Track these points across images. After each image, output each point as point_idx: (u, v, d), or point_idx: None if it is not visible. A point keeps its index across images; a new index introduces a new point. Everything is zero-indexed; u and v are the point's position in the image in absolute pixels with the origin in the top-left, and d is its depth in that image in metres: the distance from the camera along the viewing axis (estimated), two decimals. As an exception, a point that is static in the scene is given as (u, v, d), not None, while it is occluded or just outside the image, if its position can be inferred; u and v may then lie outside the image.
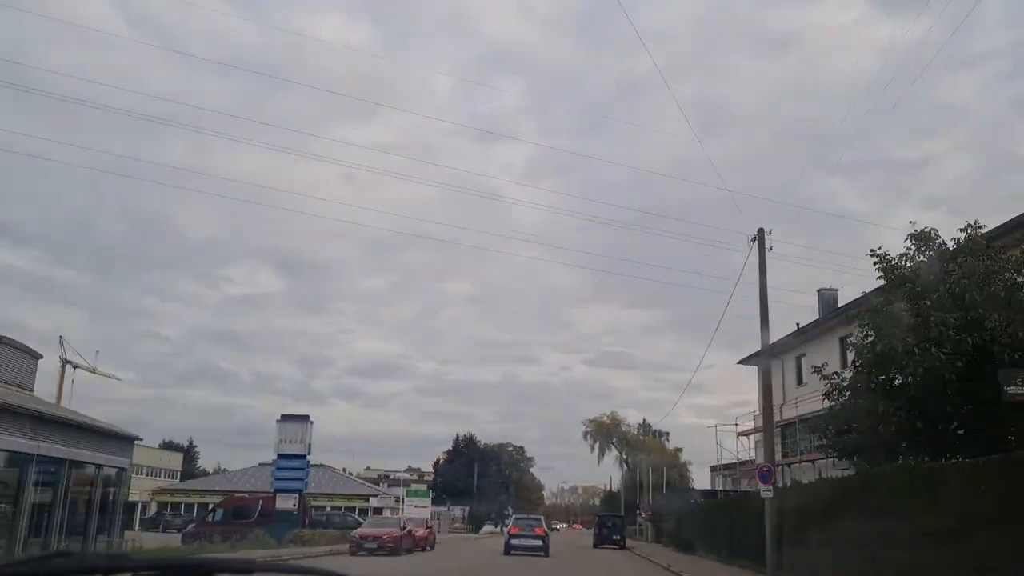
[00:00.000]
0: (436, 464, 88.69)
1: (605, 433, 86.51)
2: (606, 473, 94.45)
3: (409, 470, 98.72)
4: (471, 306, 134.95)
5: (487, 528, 78.14)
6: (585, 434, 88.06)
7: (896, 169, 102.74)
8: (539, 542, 29.53)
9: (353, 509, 54.98)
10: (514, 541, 29.93)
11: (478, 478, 76.53)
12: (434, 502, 74.67)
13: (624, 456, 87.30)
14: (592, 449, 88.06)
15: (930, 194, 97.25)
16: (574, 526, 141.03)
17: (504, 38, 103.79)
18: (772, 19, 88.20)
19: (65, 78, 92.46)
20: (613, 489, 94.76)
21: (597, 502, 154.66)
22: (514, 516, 37.67)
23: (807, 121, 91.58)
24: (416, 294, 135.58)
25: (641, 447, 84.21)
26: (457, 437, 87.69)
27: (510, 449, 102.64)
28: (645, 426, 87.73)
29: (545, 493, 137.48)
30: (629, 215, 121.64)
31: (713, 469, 51.75)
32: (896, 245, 16.48)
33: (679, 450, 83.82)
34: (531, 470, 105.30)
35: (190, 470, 73.21)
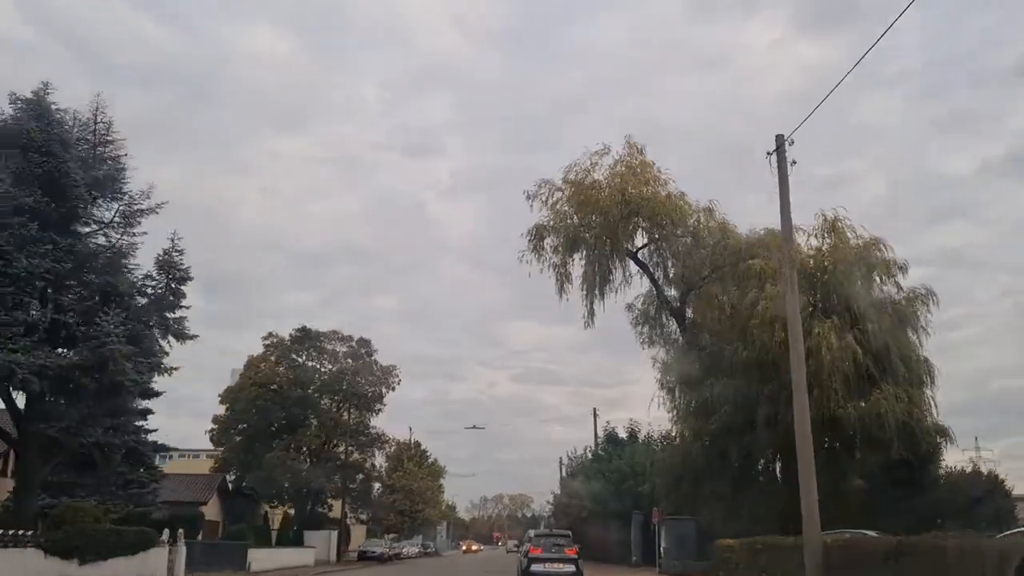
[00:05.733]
0: None
1: (609, 225, 24.90)
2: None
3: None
4: (400, 322, 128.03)
5: None
6: (533, 236, 26.89)
7: (815, 187, 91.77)
8: (572, 568, 23.69)
9: None
10: (536, 568, 23.69)
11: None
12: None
13: (670, 282, 26.39)
14: (561, 285, 26.94)
15: (850, 212, 49.10)
16: (498, 544, 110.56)
17: (435, 52, 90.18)
18: (703, 39, 62.64)
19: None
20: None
21: (528, 514, 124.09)
22: (533, 533, 28.49)
23: (736, 138, 67.88)
24: (345, 310, 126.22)
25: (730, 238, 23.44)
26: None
27: (335, 347, 40.58)
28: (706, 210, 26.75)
29: (465, 505, 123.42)
30: None
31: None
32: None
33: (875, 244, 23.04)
34: (391, 384, 42.51)
35: None
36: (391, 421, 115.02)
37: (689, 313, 28.69)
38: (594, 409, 44.74)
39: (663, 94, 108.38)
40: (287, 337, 42.72)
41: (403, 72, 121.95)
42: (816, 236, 23.68)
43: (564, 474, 52.64)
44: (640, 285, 29.31)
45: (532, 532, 29.72)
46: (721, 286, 26.49)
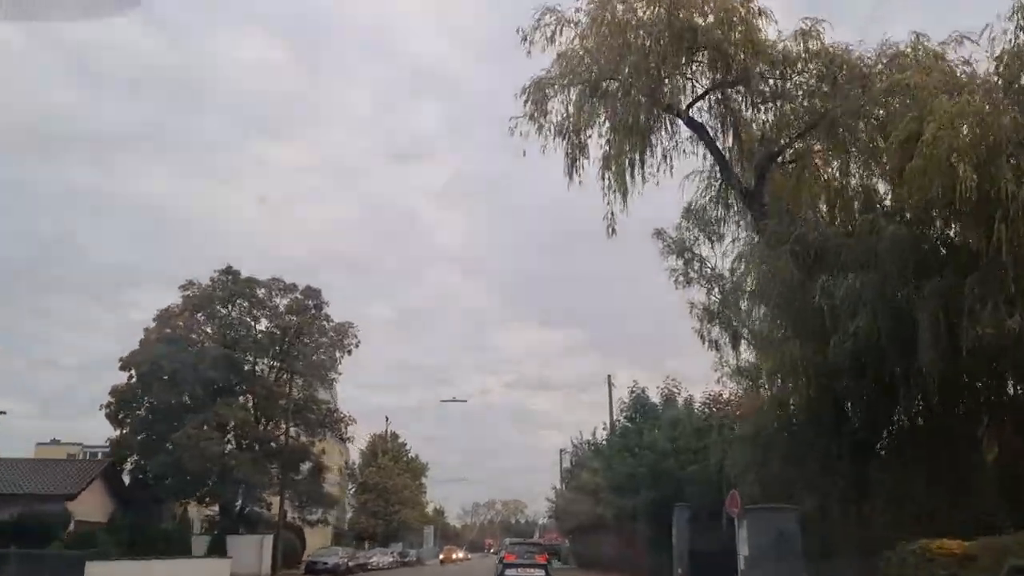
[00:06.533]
0: None
1: (647, 67, 15.21)
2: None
3: None
4: (391, 330, 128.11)
5: None
6: (532, 95, 16.75)
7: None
8: (542, 572, 25.29)
9: None
10: (510, 572, 25.30)
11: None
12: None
13: (741, 152, 15.99)
14: (572, 162, 17.98)
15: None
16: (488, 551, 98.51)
17: (426, 59, 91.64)
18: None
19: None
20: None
21: (523, 520, 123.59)
22: (509, 541, 33.21)
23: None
24: (335, 318, 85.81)
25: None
26: None
27: (274, 298, 30.67)
28: (800, 34, 16.33)
29: (457, 512, 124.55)
30: (550, 236, 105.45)
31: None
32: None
33: None
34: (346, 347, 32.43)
35: None
36: (372, 420, 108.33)
37: (766, 198, 19.17)
38: (608, 376, 35.43)
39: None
40: (209, 282, 33.00)
41: (394, 79, 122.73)
42: None
43: (569, 464, 43.09)
44: (694, 158, 19.75)
45: (508, 540, 33.27)
46: (831, 139, 17.10)
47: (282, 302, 34.39)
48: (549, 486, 60.86)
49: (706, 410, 25.28)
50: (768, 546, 15.66)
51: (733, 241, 21.61)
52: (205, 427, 30.10)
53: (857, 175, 18.32)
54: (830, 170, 18.31)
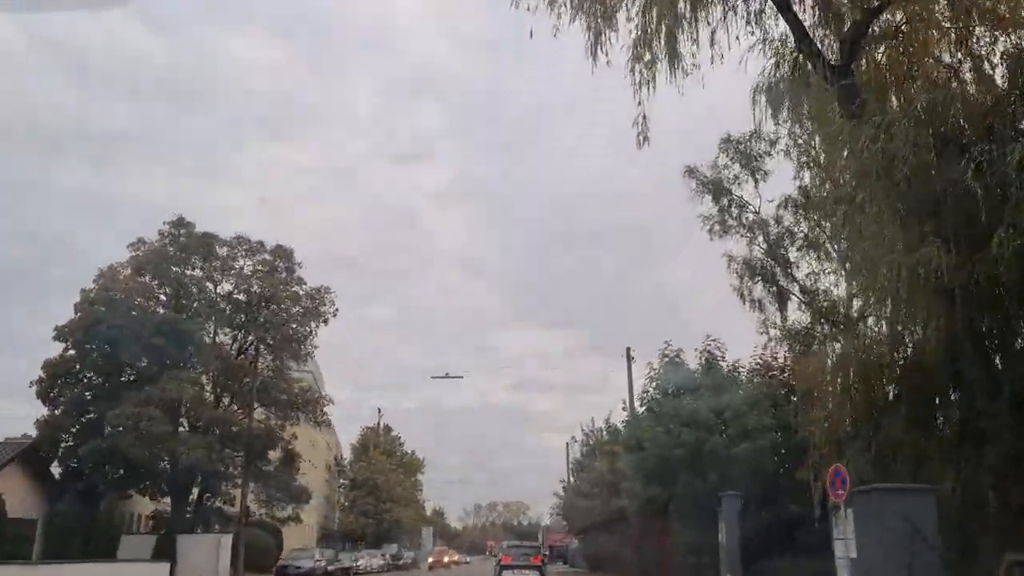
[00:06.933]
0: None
1: None
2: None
3: None
4: (392, 331, 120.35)
5: None
6: None
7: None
8: (537, 573, 27.19)
9: None
10: (507, 574, 27.25)
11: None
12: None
13: (828, 16, 10.52)
14: (596, 37, 15.72)
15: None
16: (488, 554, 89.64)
17: (427, 60, 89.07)
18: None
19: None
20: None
21: (525, 521, 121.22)
22: (506, 544, 33.80)
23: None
24: (335, 319, 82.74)
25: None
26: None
27: (238, 258, 25.36)
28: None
29: (459, 513, 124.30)
30: (550, 236, 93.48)
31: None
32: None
33: None
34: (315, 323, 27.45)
35: None
36: (370, 421, 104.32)
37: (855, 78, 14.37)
38: (628, 349, 30.78)
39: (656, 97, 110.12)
40: (159, 237, 28.20)
41: (394, 79, 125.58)
42: None
43: (580, 454, 38.40)
44: (757, 30, 14.89)
45: (504, 543, 34.07)
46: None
47: (247, 264, 29.68)
48: (552, 487, 56.52)
49: (756, 378, 20.56)
50: (889, 542, 10.85)
51: (795, 145, 16.94)
52: (152, 406, 25.35)
53: (982, 43, 13.67)
54: (947, 38, 13.59)
